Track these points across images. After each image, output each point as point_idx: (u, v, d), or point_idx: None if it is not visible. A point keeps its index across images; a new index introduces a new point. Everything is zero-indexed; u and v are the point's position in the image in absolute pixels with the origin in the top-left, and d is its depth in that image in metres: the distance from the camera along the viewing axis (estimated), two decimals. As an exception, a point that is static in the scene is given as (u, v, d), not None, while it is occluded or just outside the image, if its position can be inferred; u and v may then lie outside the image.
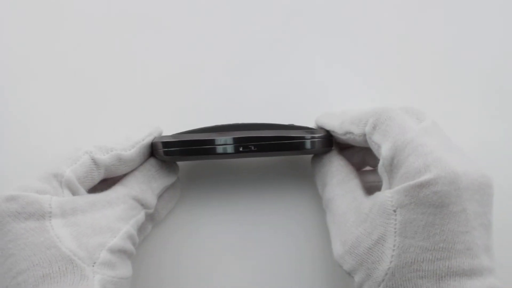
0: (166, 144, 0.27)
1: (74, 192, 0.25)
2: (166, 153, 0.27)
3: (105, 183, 0.27)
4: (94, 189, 0.26)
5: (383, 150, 0.23)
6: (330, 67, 0.32)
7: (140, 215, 0.27)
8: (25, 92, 0.32)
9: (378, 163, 0.24)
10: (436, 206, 0.21)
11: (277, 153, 0.27)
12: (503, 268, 0.23)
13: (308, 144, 0.27)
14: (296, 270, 0.31)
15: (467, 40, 0.32)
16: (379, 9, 0.33)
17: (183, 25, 0.33)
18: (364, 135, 0.25)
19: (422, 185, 0.21)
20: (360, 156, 0.29)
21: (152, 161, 0.28)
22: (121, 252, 0.24)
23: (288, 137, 0.26)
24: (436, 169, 0.21)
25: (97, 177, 0.26)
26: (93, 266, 0.23)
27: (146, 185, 0.27)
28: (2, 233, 0.23)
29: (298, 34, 0.32)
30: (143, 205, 0.27)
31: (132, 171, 0.28)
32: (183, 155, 0.27)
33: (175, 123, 0.30)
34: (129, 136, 0.27)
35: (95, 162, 0.26)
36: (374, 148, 0.24)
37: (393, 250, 0.22)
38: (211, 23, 0.33)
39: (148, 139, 0.28)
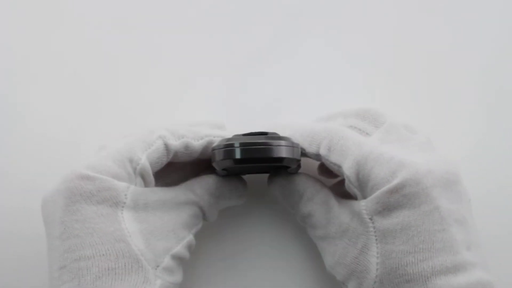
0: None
1: (145, 180, 0.25)
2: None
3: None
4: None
5: (345, 169, 0.23)
6: (328, 70, 0.32)
7: (200, 225, 0.26)
8: (27, 93, 0.32)
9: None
10: (408, 208, 0.21)
11: None
12: (503, 268, 0.23)
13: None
14: (294, 280, 0.30)
15: (465, 40, 0.32)
16: (378, 12, 0.32)
17: (184, 28, 0.33)
18: (318, 155, 0.25)
19: (391, 191, 0.21)
20: None
21: (231, 178, 0.27)
22: (180, 259, 0.25)
23: None
24: (401, 173, 0.21)
25: (165, 162, 0.26)
26: (155, 269, 0.23)
27: (214, 200, 0.26)
28: (69, 211, 0.22)
29: (296, 37, 0.33)
30: (205, 217, 0.27)
31: (207, 178, 0.26)
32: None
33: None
34: (198, 128, 0.27)
35: (167, 147, 0.25)
36: (334, 169, 0.24)
37: (377, 257, 0.22)
38: (210, 25, 0.33)
39: (217, 140, 0.26)
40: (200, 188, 0.26)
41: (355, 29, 0.33)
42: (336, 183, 0.28)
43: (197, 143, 0.26)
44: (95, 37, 0.33)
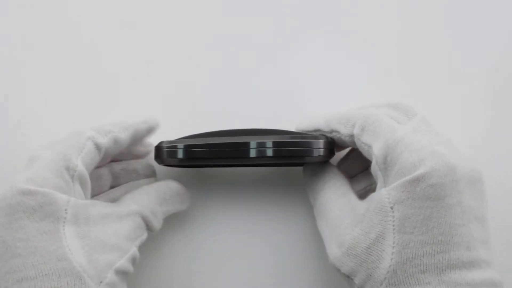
0: (189, 146, 0.26)
1: (83, 185, 0.25)
2: (188, 154, 0.26)
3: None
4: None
5: (375, 149, 0.24)
6: (326, 71, 0.33)
7: (144, 236, 0.27)
8: (21, 93, 0.32)
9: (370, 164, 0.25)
10: (433, 199, 0.21)
11: (292, 159, 0.26)
12: (504, 267, 0.23)
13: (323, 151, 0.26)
14: (294, 276, 0.30)
15: (466, 38, 0.33)
16: (376, 11, 0.33)
17: (179, 30, 0.33)
18: (351, 136, 0.25)
19: (418, 179, 0.21)
20: (362, 159, 0.28)
21: (170, 184, 0.29)
22: (124, 273, 0.24)
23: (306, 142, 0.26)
24: (430, 162, 0.22)
25: (98, 161, 0.26)
26: (99, 285, 0.22)
27: (157, 208, 0.27)
28: (12, 228, 0.22)
29: (294, 38, 0.33)
30: (148, 227, 0.27)
31: (147, 188, 0.28)
32: (209, 158, 0.25)
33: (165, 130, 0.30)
34: (122, 120, 0.28)
35: (97, 147, 0.26)
36: (364, 149, 0.25)
37: (393, 247, 0.22)
38: (206, 26, 0.33)
39: (142, 126, 0.28)
40: (142, 198, 0.27)
41: (357, 27, 0.33)
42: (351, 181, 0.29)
43: (124, 135, 0.27)
44: (93, 39, 0.33)
